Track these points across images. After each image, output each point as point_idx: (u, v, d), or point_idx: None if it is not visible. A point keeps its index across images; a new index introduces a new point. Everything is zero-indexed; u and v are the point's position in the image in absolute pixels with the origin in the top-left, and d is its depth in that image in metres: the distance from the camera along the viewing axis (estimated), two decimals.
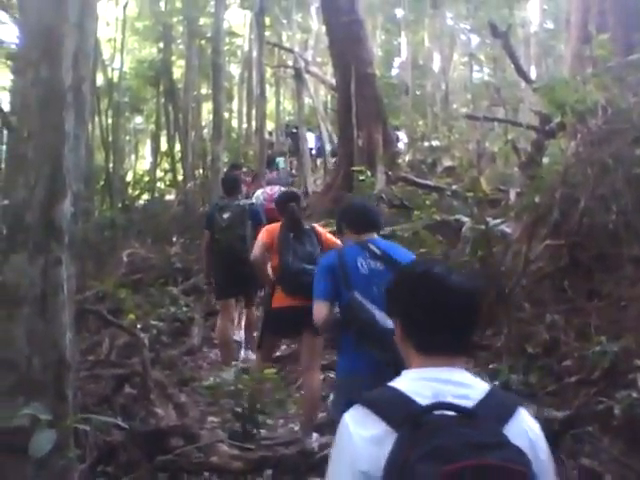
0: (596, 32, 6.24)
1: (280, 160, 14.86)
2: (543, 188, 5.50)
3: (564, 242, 5.01)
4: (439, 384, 1.41)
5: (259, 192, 9.09)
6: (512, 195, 7.68)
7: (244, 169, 11.30)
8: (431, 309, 1.48)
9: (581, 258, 4.92)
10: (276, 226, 4.99)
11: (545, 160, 7.24)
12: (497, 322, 4.78)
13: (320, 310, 3.31)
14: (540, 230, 5.30)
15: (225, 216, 6.13)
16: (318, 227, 5.12)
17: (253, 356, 5.89)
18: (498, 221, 5.96)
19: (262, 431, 4.53)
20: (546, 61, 19.96)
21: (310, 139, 15.58)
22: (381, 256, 3.34)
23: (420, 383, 1.42)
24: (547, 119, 8.40)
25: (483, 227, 5.44)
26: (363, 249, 3.39)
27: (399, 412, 1.33)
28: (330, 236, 4.92)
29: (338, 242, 4.25)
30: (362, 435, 1.35)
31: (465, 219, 7.08)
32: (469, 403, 1.37)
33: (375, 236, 3.53)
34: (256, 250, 4.98)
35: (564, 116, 5.92)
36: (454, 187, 9.13)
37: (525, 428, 1.41)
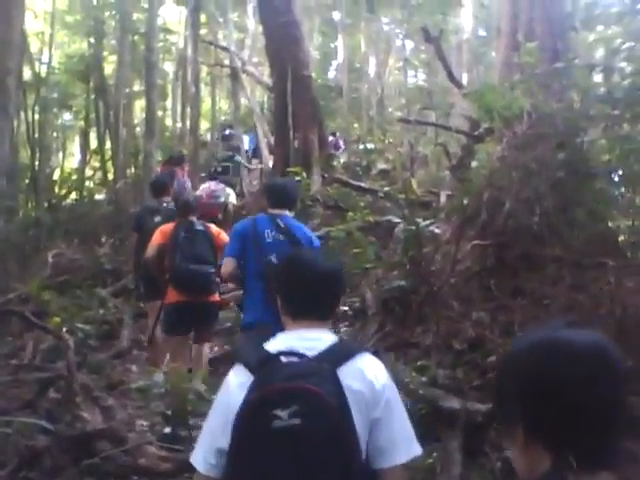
0: (524, 40, 6.48)
1: (238, 157, 14.86)
2: (471, 191, 5.65)
3: (490, 242, 5.17)
4: (295, 340, 1.80)
5: (204, 185, 9.54)
6: (443, 197, 7.86)
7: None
8: (297, 285, 1.91)
9: (506, 258, 5.09)
10: (170, 226, 5.35)
11: (474, 164, 7.45)
12: (426, 320, 4.88)
13: (227, 265, 3.98)
14: (468, 231, 5.45)
15: (156, 219, 6.12)
16: (213, 228, 5.43)
17: None
18: (428, 222, 6.08)
19: (193, 432, 4.46)
20: (477, 67, 20.54)
21: (245, 140, 15.53)
22: (284, 230, 4.00)
23: (282, 341, 1.82)
24: (476, 124, 8.65)
25: (414, 228, 5.54)
26: (272, 222, 4.05)
27: (256, 361, 1.73)
28: (224, 236, 5.24)
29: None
30: (234, 383, 1.74)
31: (397, 220, 7.20)
32: (314, 352, 1.73)
33: (286, 212, 4.17)
34: (149, 251, 5.30)
35: (492, 121, 6.11)
36: (387, 189, 9.26)
37: (361, 368, 1.73)
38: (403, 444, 1.73)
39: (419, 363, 4.14)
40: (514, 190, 5.19)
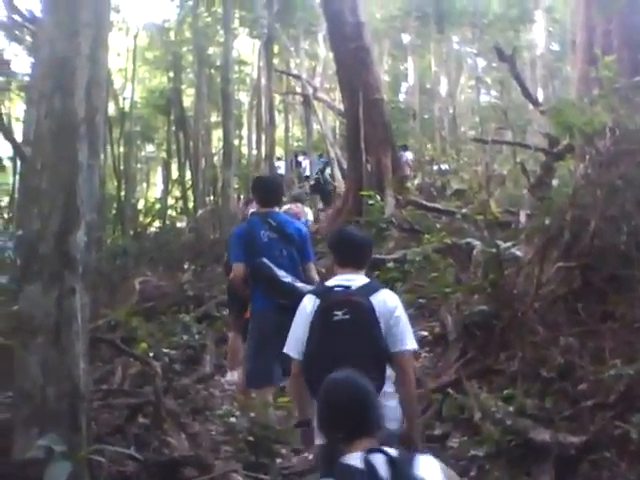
0: (601, 53, 6.25)
1: (327, 173, 15.48)
2: (553, 210, 5.48)
3: (576, 264, 4.98)
4: (342, 280, 2.99)
5: (285, 207, 9.78)
6: (522, 217, 7.65)
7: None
8: (343, 246, 3.14)
9: (593, 280, 4.88)
10: None
11: (554, 182, 7.23)
12: (510, 346, 4.74)
13: (238, 269, 4.51)
14: (551, 252, 5.27)
15: None
16: None
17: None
18: (509, 244, 5.93)
19: (277, 460, 4.48)
20: (553, 83, 20.05)
21: (316, 166, 15.88)
22: (276, 228, 4.49)
23: (335, 280, 3.01)
24: (555, 141, 8.41)
25: (494, 250, 5.42)
26: (264, 222, 4.51)
27: (320, 290, 3.07)
28: None
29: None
30: (308, 305, 2.96)
31: (476, 242, 7.06)
32: (354, 286, 2.95)
33: (275, 209, 4.64)
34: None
35: (572, 138, 5.93)
36: (464, 210, 9.11)
37: (384, 297, 2.94)
38: (408, 339, 2.90)
39: (505, 392, 4.01)
40: (599, 209, 5.00)
